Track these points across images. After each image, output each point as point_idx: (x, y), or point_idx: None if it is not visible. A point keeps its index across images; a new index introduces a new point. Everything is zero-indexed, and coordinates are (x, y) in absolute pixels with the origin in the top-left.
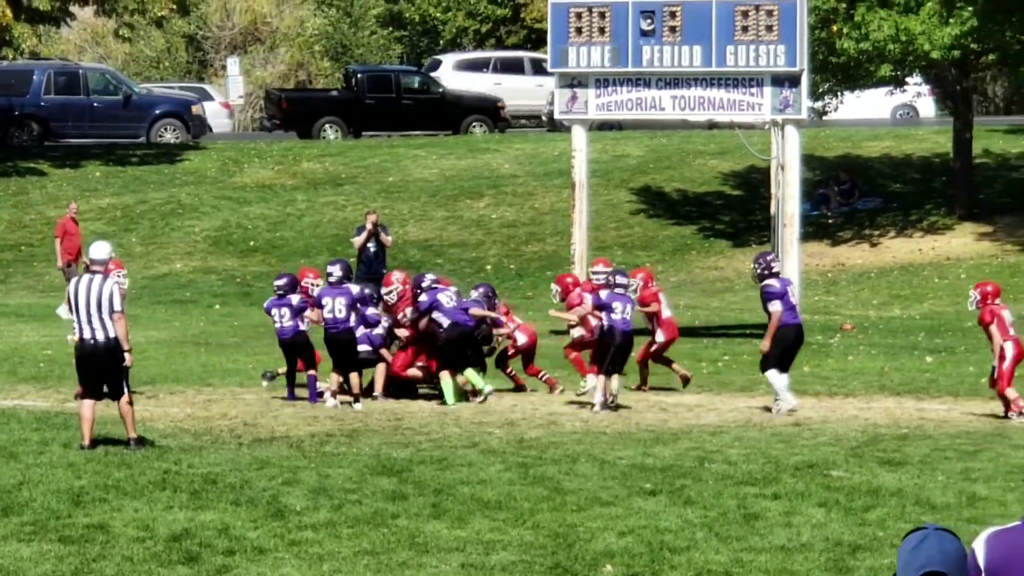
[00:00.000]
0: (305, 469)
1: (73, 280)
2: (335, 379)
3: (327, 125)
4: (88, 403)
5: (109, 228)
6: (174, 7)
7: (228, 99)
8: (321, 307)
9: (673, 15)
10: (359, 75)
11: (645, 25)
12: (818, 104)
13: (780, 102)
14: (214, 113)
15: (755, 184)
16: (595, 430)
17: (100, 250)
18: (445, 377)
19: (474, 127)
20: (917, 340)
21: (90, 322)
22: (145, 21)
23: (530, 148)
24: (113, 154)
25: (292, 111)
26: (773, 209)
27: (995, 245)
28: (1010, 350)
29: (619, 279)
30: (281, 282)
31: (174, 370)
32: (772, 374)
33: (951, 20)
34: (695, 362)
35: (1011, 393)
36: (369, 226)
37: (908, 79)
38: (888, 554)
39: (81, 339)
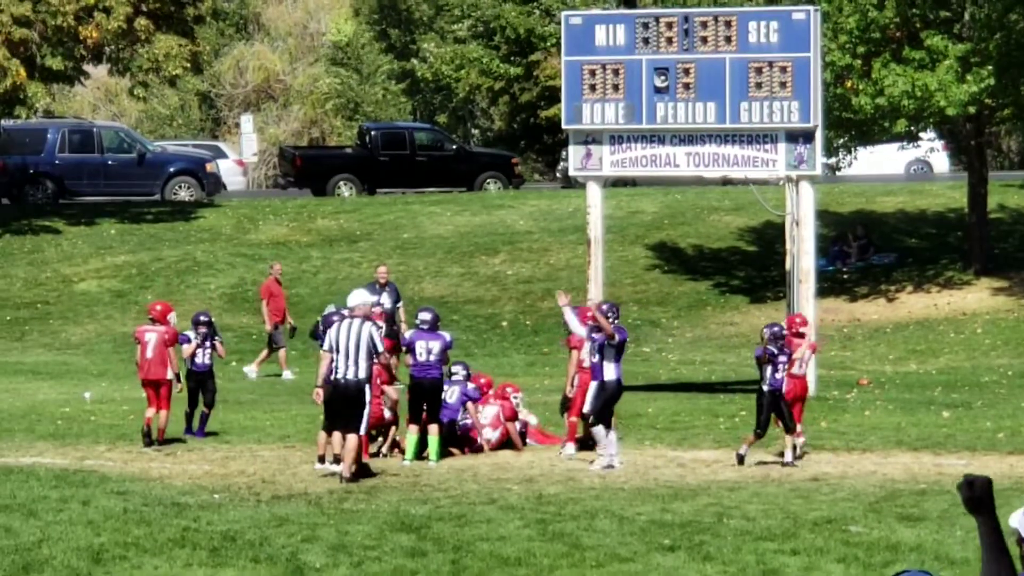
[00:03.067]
0: (324, 526)
1: (335, 324)
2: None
3: (341, 182)
4: (324, 435)
5: (124, 286)
6: (188, 66)
7: (242, 156)
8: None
9: (687, 72)
10: (373, 132)
11: (659, 82)
12: (832, 160)
13: (794, 158)
14: (228, 171)
15: (770, 240)
16: (613, 486)
17: (357, 297)
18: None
19: (488, 183)
20: (934, 395)
21: (346, 361)
22: (159, 80)
23: (545, 204)
24: (128, 212)
25: (306, 168)
26: (788, 265)
27: (1011, 300)
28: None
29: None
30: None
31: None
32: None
33: (968, 77)
34: (712, 417)
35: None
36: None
37: (922, 134)
38: None
39: (335, 378)
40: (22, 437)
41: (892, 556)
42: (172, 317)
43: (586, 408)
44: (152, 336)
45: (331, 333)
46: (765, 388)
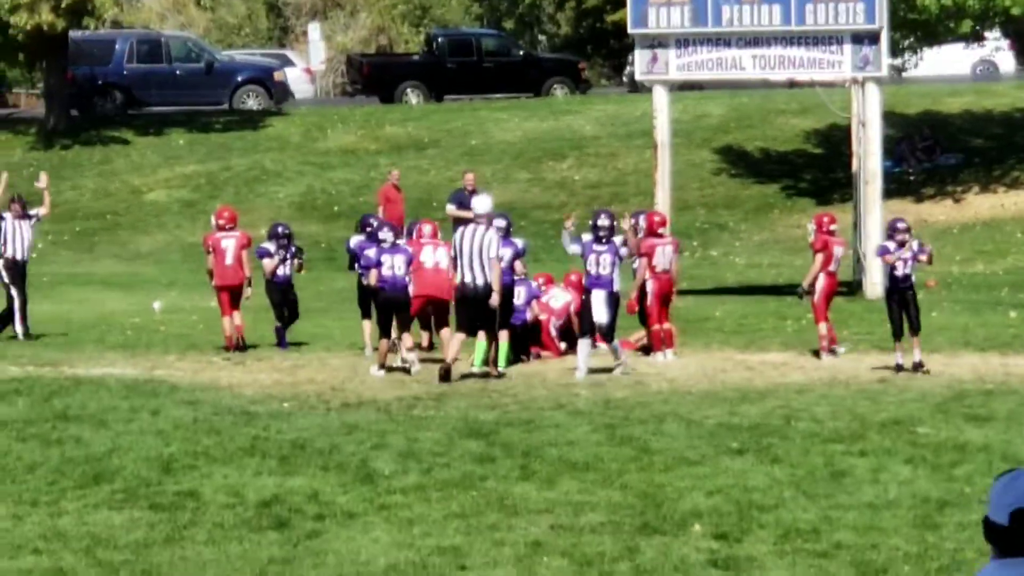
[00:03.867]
0: (393, 433)
1: (459, 229)
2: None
3: (409, 89)
4: (459, 337)
5: (194, 195)
6: None
7: (310, 65)
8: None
9: None
10: (440, 39)
11: None
12: (898, 61)
13: (860, 60)
14: (296, 79)
15: (836, 142)
16: (681, 390)
17: (483, 203)
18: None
19: (555, 89)
20: (1001, 296)
21: (471, 267)
22: None
23: (612, 109)
24: (196, 121)
25: (374, 76)
26: (855, 166)
27: None
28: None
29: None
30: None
31: (260, 336)
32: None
33: None
34: (780, 320)
35: (822, 328)
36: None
37: (987, 34)
38: (976, 510)
39: (462, 282)
40: (92, 348)
41: (960, 456)
42: None
43: (606, 319)
44: (230, 242)
45: (455, 238)
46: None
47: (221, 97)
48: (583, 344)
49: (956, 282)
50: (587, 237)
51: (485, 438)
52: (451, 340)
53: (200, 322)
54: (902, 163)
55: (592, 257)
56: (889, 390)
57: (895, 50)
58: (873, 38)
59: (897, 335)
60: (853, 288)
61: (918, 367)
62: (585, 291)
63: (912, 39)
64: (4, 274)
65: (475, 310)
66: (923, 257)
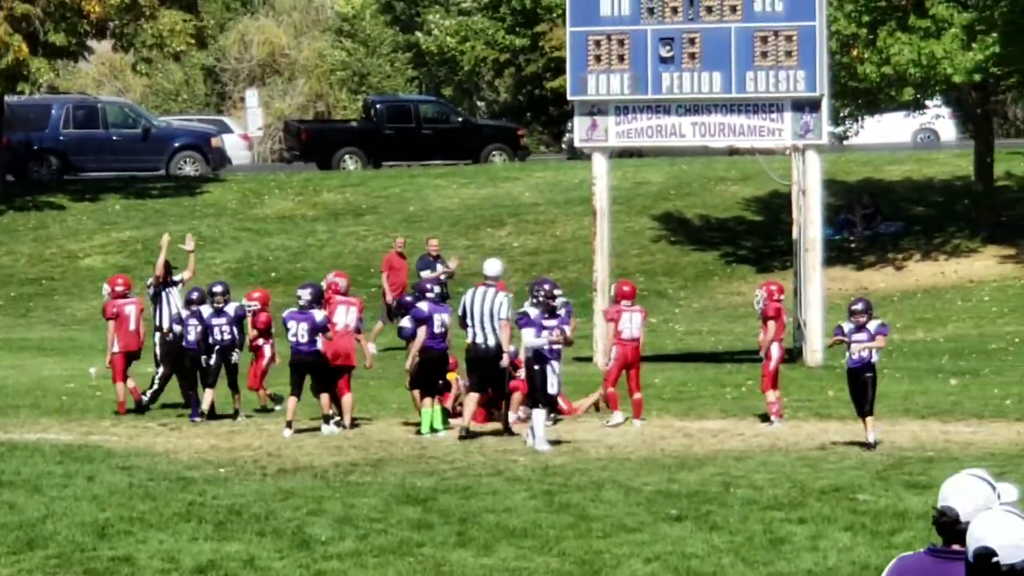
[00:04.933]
0: (330, 499)
1: (470, 291)
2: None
3: (347, 156)
4: (473, 397)
5: (129, 261)
6: (192, 41)
7: (247, 131)
8: (286, 330)
9: (692, 42)
10: (378, 105)
11: (664, 52)
12: (839, 129)
13: (801, 127)
14: (233, 145)
15: (777, 209)
16: (620, 456)
17: (493, 267)
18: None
19: (494, 156)
20: (941, 363)
21: (483, 328)
22: (163, 55)
23: (551, 176)
24: (133, 187)
25: (312, 142)
26: (795, 234)
27: (1018, 267)
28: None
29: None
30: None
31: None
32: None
33: (974, 45)
34: (719, 387)
35: (771, 396)
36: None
37: (928, 102)
38: None
39: (473, 343)
40: (27, 413)
41: (899, 524)
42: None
43: (559, 390)
44: (132, 308)
45: (465, 300)
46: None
47: (158, 163)
48: (539, 416)
49: (897, 350)
50: (533, 311)
51: (422, 504)
52: (465, 402)
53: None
54: (843, 231)
55: (544, 332)
56: (829, 457)
57: (836, 118)
58: (814, 106)
59: (857, 414)
60: (793, 355)
61: (867, 446)
62: (536, 362)
63: (853, 107)
64: (160, 349)
65: (486, 370)
66: (876, 343)
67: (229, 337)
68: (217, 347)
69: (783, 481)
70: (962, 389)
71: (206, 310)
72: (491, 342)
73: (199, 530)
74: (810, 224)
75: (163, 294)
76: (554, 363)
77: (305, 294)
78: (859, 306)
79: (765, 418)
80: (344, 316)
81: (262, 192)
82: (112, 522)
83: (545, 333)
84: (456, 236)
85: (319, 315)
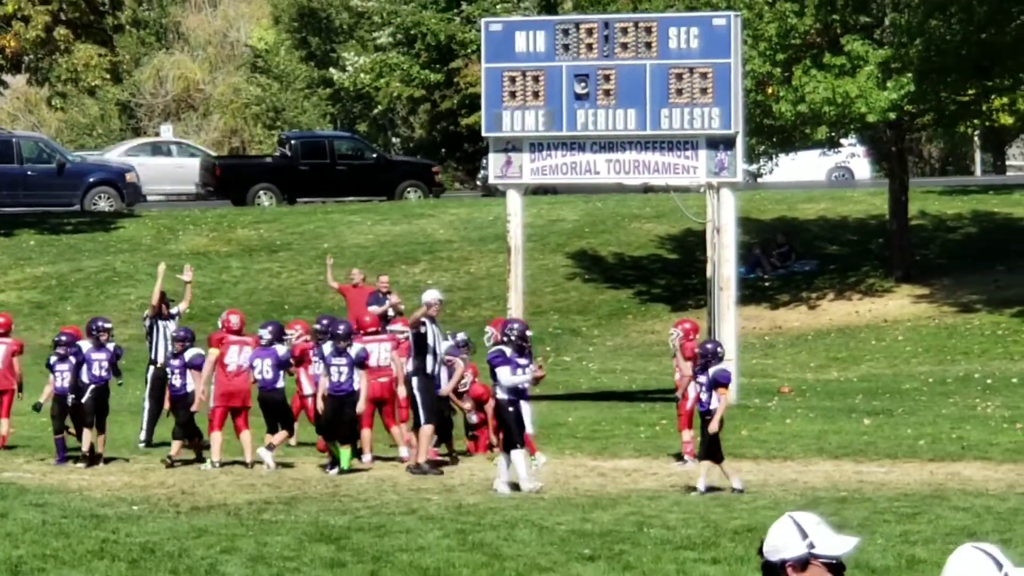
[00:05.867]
0: (243, 537)
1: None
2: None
3: (261, 192)
4: (426, 428)
5: (44, 297)
6: (107, 76)
7: None
8: (252, 368)
9: (607, 78)
10: (293, 141)
11: (579, 89)
12: (753, 166)
13: (715, 165)
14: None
15: (691, 247)
16: (533, 496)
17: (430, 296)
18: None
19: (409, 192)
20: (855, 402)
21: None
22: (78, 90)
23: (465, 213)
24: (47, 222)
25: (226, 178)
26: (709, 272)
27: (932, 307)
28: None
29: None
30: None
31: (111, 438)
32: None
33: (889, 84)
34: (633, 426)
35: (686, 435)
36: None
37: (843, 141)
38: None
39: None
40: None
41: None
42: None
43: (533, 430)
44: (1, 348)
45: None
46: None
47: (72, 199)
48: (519, 455)
49: (811, 389)
50: (508, 350)
51: (336, 543)
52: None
53: (49, 424)
54: (757, 269)
55: (519, 371)
56: (742, 497)
57: (751, 155)
58: (729, 143)
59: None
60: None
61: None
62: (511, 403)
63: (768, 145)
64: (151, 383)
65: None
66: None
67: (106, 375)
68: (93, 385)
69: (697, 521)
70: (876, 429)
71: (85, 345)
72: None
73: (112, 568)
74: (724, 262)
75: (158, 326)
76: (527, 404)
77: (266, 332)
78: (708, 347)
79: (679, 457)
80: (237, 356)
81: (176, 228)
82: (25, 559)
83: (520, 371)
84: (371, 273)
85: (281, 351)
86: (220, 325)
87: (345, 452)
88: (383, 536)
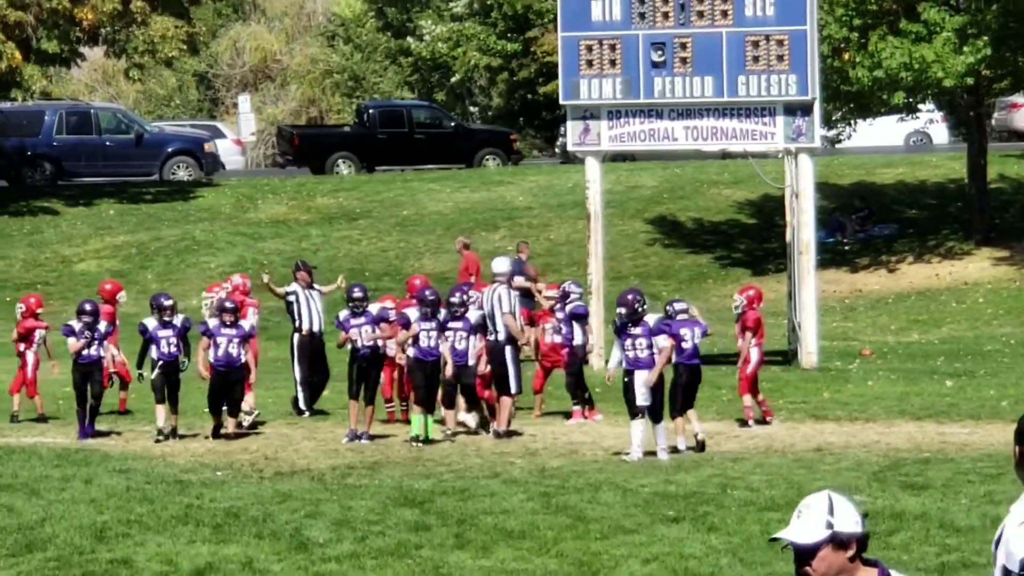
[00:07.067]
0: (327, 502)
1: (485, 291)
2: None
3: (340, 160)
4: (505, 400)
5: (124, 266)
6: (184, 47)
7: (240, 136)
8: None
9: (684, 46)
10: (371, 110)
11: (656, 56)
12: (831, 132)
13: (793, 131)
14: (226, 150)
15: (770, 212)
16: (616, 458)
17: (500, 265)
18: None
19: (487, 160)
20: (936, 364)
21: (494, 326)
22: (155, 62)
23: (544, 180)
24: (126, 192)
25: (305, 147)
26: (789, 237)
27: (1012, 269)
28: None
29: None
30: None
31: (193, 405)
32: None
33: (965, 49)
34: (714, 389)
35: (747, 400)
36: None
37: (921, 106)
38: None
39: (495, 340)
40: (24, 417)
41: (896, 525)
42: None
43: (649, 401)
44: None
45: (483, 301)
46: None
47: (151, 168)
48: (638, 425)
49: (892, 351)
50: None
51: (420, 506)
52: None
53: (132, 391)
54: (836, 233)
55: (628, 341)
56: (825, 459)
57: (828, 121)
58: (806, 110)
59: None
60: (788, 357)
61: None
62: (626, 373)
63: (845, 110)
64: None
65: (499, 366)
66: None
67: (175, 351)
68: (161, 361)
69: (780, 482)
70: (958, 390)
71: (151, 323)
72: (501, 336)
73: (197, 533)
74: (803, 227)
75: (301, 297)
76: (642, 374)
77: (358, 292)
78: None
79: (743, 423)
80: (251, 318)
81: (255, 197)
82: (110, 525)
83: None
84: (450, 240)
85: (375, 310)
86: (231, 289)
87: (418, 419)
88: (467, 500)
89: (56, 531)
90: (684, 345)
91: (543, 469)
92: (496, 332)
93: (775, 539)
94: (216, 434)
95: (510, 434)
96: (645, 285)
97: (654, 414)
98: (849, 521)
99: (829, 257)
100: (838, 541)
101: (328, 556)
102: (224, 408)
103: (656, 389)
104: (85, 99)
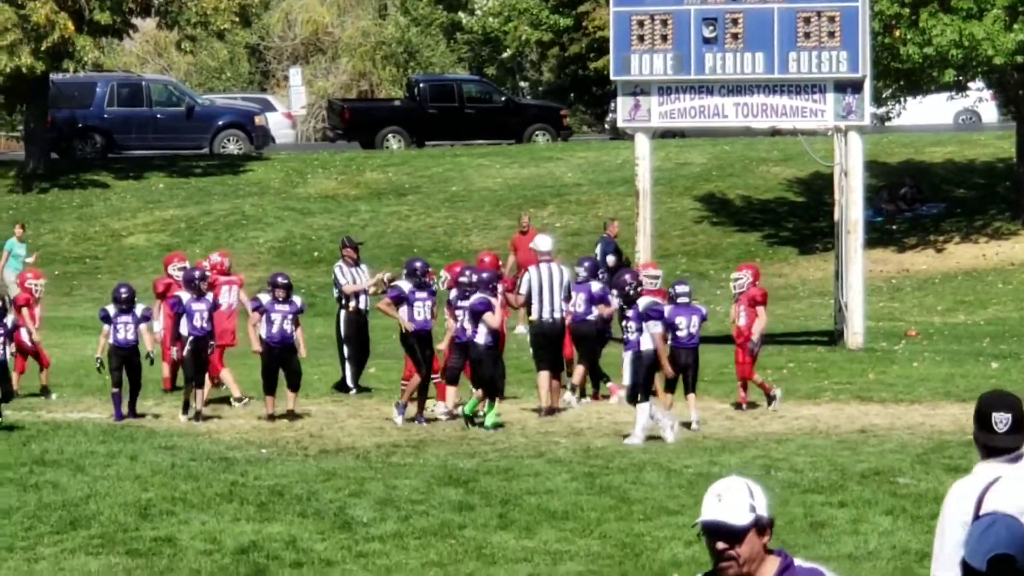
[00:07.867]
0: (372, 480)
1: (532, 269)
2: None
3: (390, 135)
4: (544, 374)
5: (173, 240)
6: (236, 19)
7: (291, 109)
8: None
9: (735, 22)
10: (421, 85)
11: (707, 32)
12: (881, 110)
13: (843, 108)
14: (277, 124)
15: (819, 190)
16: (660, 439)
17: (544, 243)
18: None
19: (537, 135)
20: (982, 346)
21: (551, 304)
22: (207, 33)
23: (593, 156)
24: (176, 165)
25: (355, 121)
26: (837, 215)
27: None
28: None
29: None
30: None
31: (240, 381)
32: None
33: (1015, 26)
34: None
35: (758, 378)
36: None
37: (970, 84)
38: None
39: (540, 319)
40: (70, 392)
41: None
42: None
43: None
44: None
45: (529, 278)
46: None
47: (201, 141)
48: (643, 408)
49: (937, 332)
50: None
51: (464, 486)
52: (540, 383)
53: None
54: (884, 212)
55: (624, 323)
56: (869, 440)
57: (878, 99)
58: (856, 87)
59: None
60: (835, 338)
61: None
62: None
63: (895, 88)
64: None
65: (555, 344)
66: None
67: (208, 326)
68: (192, 336)
69: (823, 464)
70: (1003, 372)
71: (184, 296)
72: (557, 316)
73: (241, 511)
74: (852, 205)
75: (346, 273)
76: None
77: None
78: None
79: (770, 400)
80: (227, 296)
81: (305, 171)
82: (155, 502)
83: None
84: (499, 216)
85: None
86: (208, 266)
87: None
88: (511, 479)
89: (101, 508)
90: (679, 333)
91: (587, 449)
92: (553, 311)
93: (703, 522)
94: (185, 410)
95: (552, 411)
96: (693, 263)
97: (644, 392)
98: (766, 507)
99: (877, 236)
100: (760, 526)
101: (372, 535)
102: (287, 383)
103: (647, 369)
104: (137, 71)
